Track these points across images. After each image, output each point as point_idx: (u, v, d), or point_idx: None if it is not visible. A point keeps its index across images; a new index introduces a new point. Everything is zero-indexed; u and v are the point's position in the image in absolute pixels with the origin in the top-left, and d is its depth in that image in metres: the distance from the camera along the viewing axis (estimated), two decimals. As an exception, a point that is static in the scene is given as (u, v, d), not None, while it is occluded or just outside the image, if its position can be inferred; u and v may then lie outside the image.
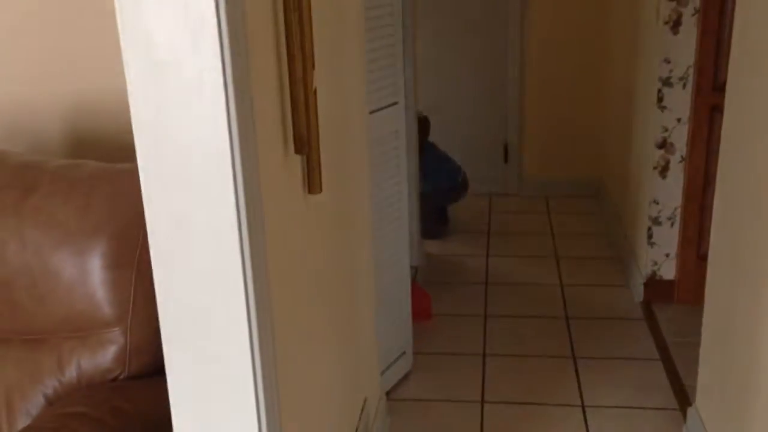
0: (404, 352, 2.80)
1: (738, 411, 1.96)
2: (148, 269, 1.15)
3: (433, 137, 4.20)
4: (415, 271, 3.61)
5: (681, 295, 3.24)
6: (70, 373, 1.55)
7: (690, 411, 2.41)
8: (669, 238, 3.21)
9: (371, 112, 2.33)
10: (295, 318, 1.45)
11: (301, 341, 1.52)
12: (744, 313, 1.96)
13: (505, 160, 4.81)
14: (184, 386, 1.22)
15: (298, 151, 1.37)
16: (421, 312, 3.17)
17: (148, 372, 1.56)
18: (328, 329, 1.81)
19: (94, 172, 1.58)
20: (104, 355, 1.54)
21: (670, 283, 3.26)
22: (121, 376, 1.55)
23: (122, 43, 1.04)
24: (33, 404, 1.55)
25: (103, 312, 1.52)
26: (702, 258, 2.42)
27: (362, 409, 2.19)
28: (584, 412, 2.60)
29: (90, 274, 1.51)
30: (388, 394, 2.67)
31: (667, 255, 3.23)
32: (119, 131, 1.74)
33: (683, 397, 2.58)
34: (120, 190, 1.54)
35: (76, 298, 1.53)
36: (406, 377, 2.81)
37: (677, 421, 2.51)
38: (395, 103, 2.55)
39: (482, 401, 2.68)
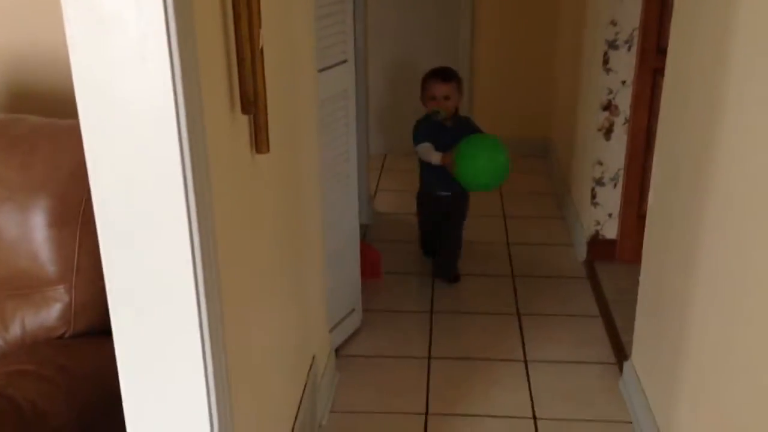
0: (353, 310, 2.84)
1: (670, 365, 2.06)
2: (92, 227, 1.15)
3: (383, 97, 4.19)
4: (364, 229, 3.64)
5: (622, 254, 3.34)
6: (14, 331, 1.55)
7: (626, 365, 2.52)
8: (612, 198, 3.30)
9: (320, 71, 2.32)
10: (242, 275, 1.47)
11: (249, 299, 1.54)
12: (677, 271, 2.04)
13: (456, 119, 4.83)
14: (130, 344, 1.23)
15: (244, 111, 1.37)
16: (370, 270, 3.21)
17: (94, 331, 1.57)
18: (277, 286, 1.82)
19: (35, 128, 1.55)
20: (48, 313, 1.54)
21: (612, 242, 3.35)
22: (67, 335, 1.55)
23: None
24: (-24, 362, 1.54)
25: (47, 270, 1.52)
26: (642, 218, 2.49)
27: (311, 366, 2.23)
28: (526, 366, 2.68)
29: (32, 232, 1.49)
30: (337, 350, 2.71)
31: (610, 215, 3.32)
32: (59, 85, 1.71)
33: (620, 352, 2.68)
34: (62, 146, 1.52)
35: (18, 256, 1.51)
36: (355, 334, 2.86)
37: (614, 374, 2.61)
38: (344, 62, 2.54)
39: (429, 357, 2.74)
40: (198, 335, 1.22)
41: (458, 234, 3.27)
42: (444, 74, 3.12)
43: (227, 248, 1.32)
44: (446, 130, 3.15)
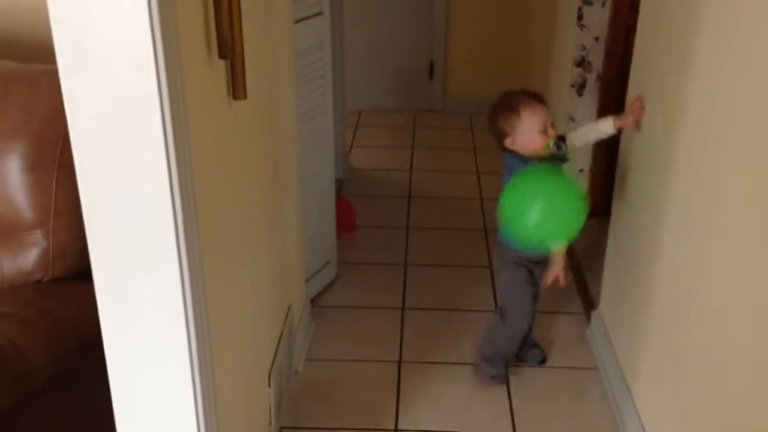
0: (328, 262, 2.88)
1: (636, 315, 2.12)
2: (69, 171, 1.16)
3: (360, 51, 4.18)
4: (339, 184, 3.66)
5: (593, 206, 3.37)
6: (-8, 275, 1.55)
7: (594, 314, 2.59)
8: (583, 153, 3.34)
9: (296, 22, 2.31)
10: (221, 219, 1.48)
11: (228, 242, 1.56)
12: (645, 223, 2.09)
13: (431, 76, 4.84)
14: (111, 289, 1.25)
15: (222, 55, 1.37)
16: (345, 224, 3.24)
17: (72, 275, 1.58)
18: (255, 233, 1.85)
19: (9, 73, 1.54)
20: (26, 258, 1.55)
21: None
22: (45, 279, 1.56)
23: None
24: (-45, 307, 1.55)
25: (24, 215, 1.52)
26: (612, 171, 2.54)
27: (287, 314, 2.27)
28: (498, 316, 2.74)
29: (8, 177, 1.50)
30: (312, 301, 2.75)
31: (581, 170, 3.38)
32: (36, 31, 1.69)
33: (589, 302, 2.76)
34: (37, 90, 1.51)
35: (-5, 201, 1.52)
36: (330, 286, 2.90)
37: (582, 323, 2.69)
38: (320, 14, 2.53)
39: (403, 308, 2.79)
40: (179, 279, 1.24)
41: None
42: (537, 95, 2.19)
43: (205, 192, 1.34)
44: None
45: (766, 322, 1.34)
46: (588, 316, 2.68)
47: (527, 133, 2.12)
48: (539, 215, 1.97)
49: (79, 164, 1.14)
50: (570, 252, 3.16)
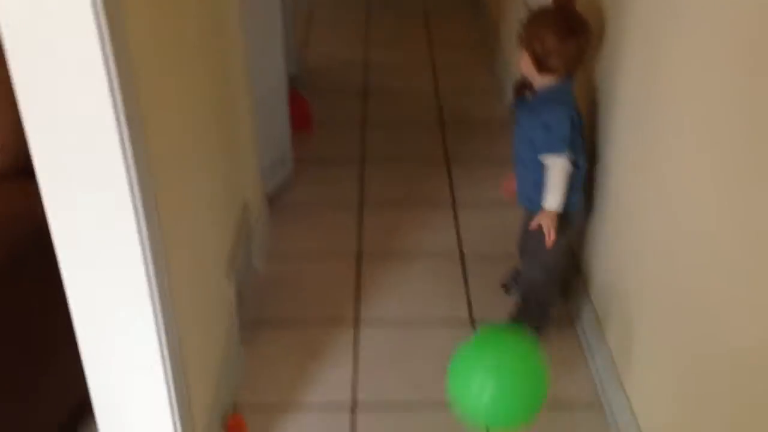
0: (284, 159, 2.85)
1: (591, 196, 2.16)
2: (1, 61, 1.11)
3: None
4: (293, 81, 3.58)
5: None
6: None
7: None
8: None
9: None
10: (165, 112, 1.44)
11: (175, 140, 1.52)
12: (602, 108, 2.10)
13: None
14: (57, 184, 1.22)
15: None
16: (301, 120, 3.19)
17: (14, 171, 1.53)
18: (203, 126, 1.81)
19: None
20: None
21: (539, 88, 3.39)
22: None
23: None
24: None
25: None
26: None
27: (243, 211, 2.26)
28: (455, 208, 2.78)
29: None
30: (270, 199, 2.74)
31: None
32: None
33: (544, 192, 2.80)
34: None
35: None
36: (287, 183, 2.88)
37: (538, 213, 2.74)
38: None
39: (361, 203, 2.80)
40: (125, 175, 1.22)
41: (527, 278, 2.21)
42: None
43: (148, 84, 1.29)
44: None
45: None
46: (543, 206, 2.73)
47: (553, 56, 1.89)
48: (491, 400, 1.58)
49: (11, 52, 1.09)
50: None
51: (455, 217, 2.73)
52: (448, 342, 2.14)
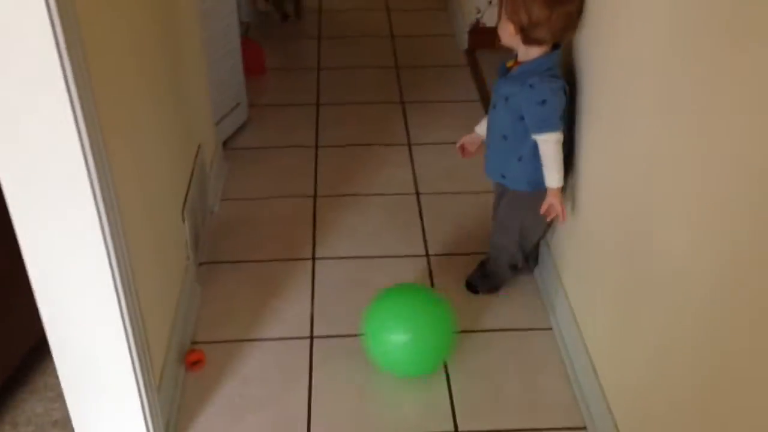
0: (239, 104, 2.84)
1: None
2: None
3: None
4: (246, 27, 3.55)
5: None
6: None
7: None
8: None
9: None
10: (111, 52, 1.43)
11: (123, 79, 1.52)
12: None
13: None
14: (9, 147, 1.22)
15: None
16: (254, 66, 3.17)
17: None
18: (153, 70, 1.80)
19: None
20: None
21: (492, 30, 3.40)
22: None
23: None
24: None
25: None
26: None
27: (197, 154, 2.26)
28: (410, 149, 2.81)
29: None
30: (225, 144, 2.74)
31: (490, 2, 3.36)
32: None
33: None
34: None
35: None
36: (242, 128, 2.88)
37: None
38: None
39: (316, 146, 2.81)
40: (72, 123, 1.22)
41: (495, 242, 2.13)
42: None
43: (90, 22, 1.29)
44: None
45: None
46: (496, 144, 2.76)
47: (548, 21, 1.72)
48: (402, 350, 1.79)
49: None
50: (480, 84, 3.21)
51: (411, 157, 2.76)
52: (404, 276, 2.20)
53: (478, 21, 3.42)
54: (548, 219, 1.92)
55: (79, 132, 1.24)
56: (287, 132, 2.89)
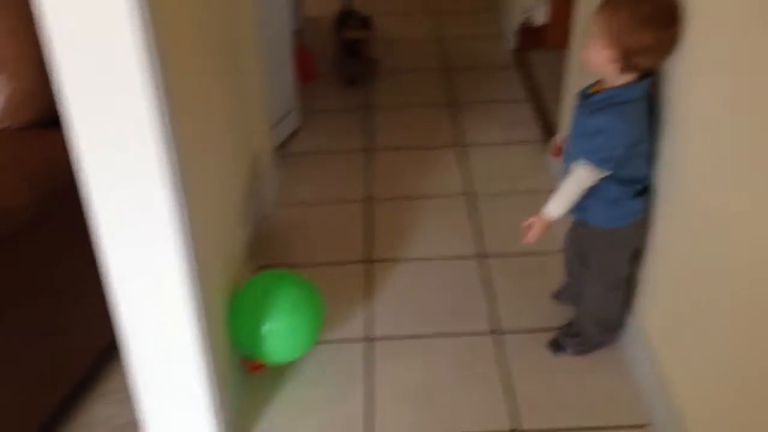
0: (291, 110, 2.89)
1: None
2: (30, 14, 1.13)
3: None
4: (297, 34, 3.60)
5: (552, 40, 3.40)
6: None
7: (554, 140, 2.67)
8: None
9: None
10: (184, 69, 1.47)
11: (192, 91, 1.56)
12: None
13: None
14: (88, 134, 1.26)
15: None
16: (306, 72, 3.22)
17: (40, 122, 1.57)
18: (215, 82, 1.84)
19: None
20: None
21: (541, 29, 3.40)
22: (13, 126, 1.55)
23: None
24: None
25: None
26: (572, 3, 2.53)
27: (254, 160, 2.30)
28: (462, 151, 2.82)
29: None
30: (279, 149, 2.79)
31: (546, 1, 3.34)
32: None
33: (549, 131, 2.83)
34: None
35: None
36: (295, 134, 2.93)
37: (544, 152, 2.77)
38: None
39: (368, 150, 2.84)
40: (152, 125, 1.26)
41: (590, 298, 1.90)
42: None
43: (169, 33, 1.32)
44: None
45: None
46: (545, 145, 2.76)
47: (636, 47, 1.53)
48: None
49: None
50: (529, 85, 3.21)
51: (463, 159, 2.77)
52: (460, 277, 2.21)
53: (526, 21, 3.41)
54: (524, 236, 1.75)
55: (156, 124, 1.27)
56: (339, 137, 2.93)
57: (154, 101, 1.24)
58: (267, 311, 1.75)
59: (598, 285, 1.85)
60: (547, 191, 2.53)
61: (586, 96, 1.69)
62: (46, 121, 1.52)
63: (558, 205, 1.69)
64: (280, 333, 1.77)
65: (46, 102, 1.43)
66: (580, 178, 1.65)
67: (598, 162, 1.62)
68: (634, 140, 1.61)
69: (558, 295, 2.10)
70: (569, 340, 1.94)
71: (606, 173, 1.63)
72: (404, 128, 2.98)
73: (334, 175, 2.70)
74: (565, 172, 1.73)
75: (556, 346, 1.96)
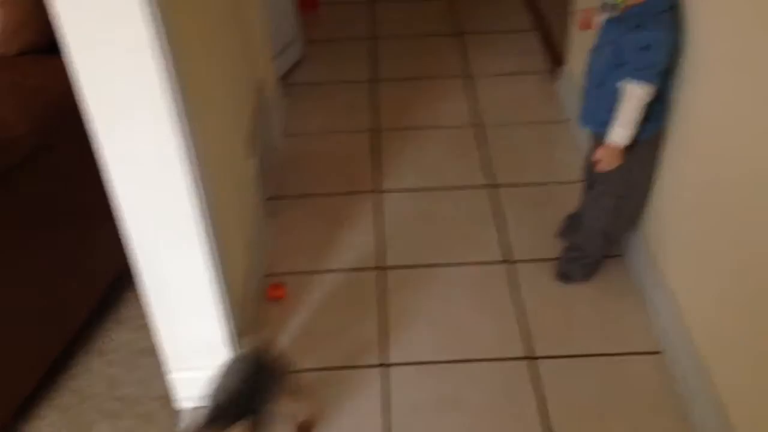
0: (293, 40, 2.83)
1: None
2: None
3: None
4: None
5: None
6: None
7: (562, 70, 2.63)
8: None
9: None
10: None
11: (192, 17, 1.51)
12: None
13: None
14: (88, 68, 1.22)
15: None
16: (307, 1, 3.14)
17: (33, 50, 1.53)
18: (216, 10, 1.79)
19: None
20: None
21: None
22: (8, 54, 1.51)
23: None
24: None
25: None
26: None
27: (258, 93, 2.26)
28: (469, 81, 2.77)
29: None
30: (283, 80, 2.74)
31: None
32: None
33: (557, 60, 2.78)
34: None
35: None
36: (298, 64, 2.87)
37: (550, 82, 2.73)
38: None
39: (374, 80, 2.80)
40: (153, 52, 1.22)
41: (593, 215, 1.91)
42: None
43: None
44: None
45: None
46: (553, 74, 2.72)
47: None
48: None
49: None
50: (535, 14, 3.15)
51: (470, 89, 2.72)
52: (470, 205, 2.20)
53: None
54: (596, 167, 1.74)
55: (165, 74, 1.24)
56: (344, 67, 2.87)
57: (156, 29, 1.20)
58: None
59: (609, 196, 1.83)
60: (556, 122, 2.54)
61: (610, 9, 1.62)
62: (40, 49, 1.47)
63: (622, 129, 1.65)
64: None
65: (36, 31, 1.37)
66: (638, 96, 1.60)
67: (653, 77, 1.59)
68: (675, 50, 1.59)
69: (562, 233, 2.08)
70: (572, 265, 1.96)
71: (656, 84, 1.60)
72: (409, 58, 2.92)
73: (339, 106, 2.66)
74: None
75: (563, 276, 1.97)
